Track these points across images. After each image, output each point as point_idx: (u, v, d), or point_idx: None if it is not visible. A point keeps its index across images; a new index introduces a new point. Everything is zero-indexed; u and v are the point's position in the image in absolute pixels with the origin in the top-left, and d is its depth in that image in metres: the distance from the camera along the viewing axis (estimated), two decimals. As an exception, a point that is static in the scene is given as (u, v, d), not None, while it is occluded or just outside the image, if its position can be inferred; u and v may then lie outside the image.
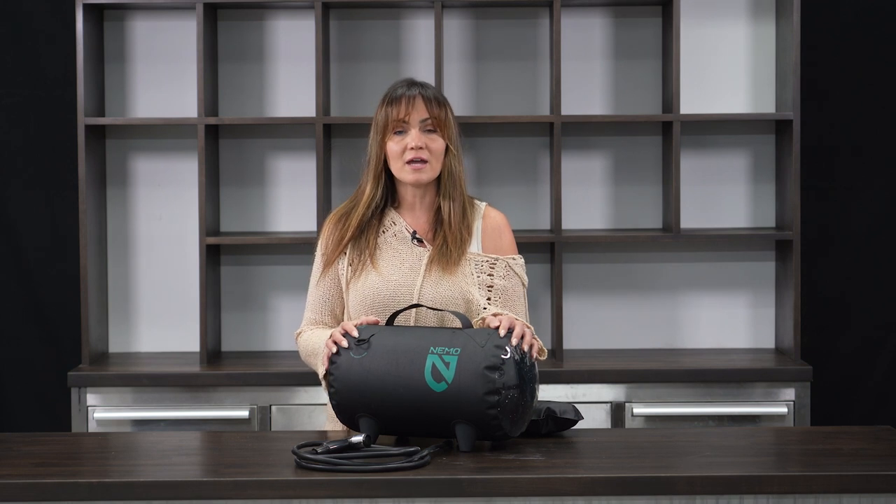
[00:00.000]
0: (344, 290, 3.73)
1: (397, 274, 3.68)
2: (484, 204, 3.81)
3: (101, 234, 5.18)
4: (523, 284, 3.75)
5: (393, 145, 3.69)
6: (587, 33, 5.25)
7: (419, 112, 3.68)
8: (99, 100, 5.15)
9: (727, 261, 5.28)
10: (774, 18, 5.23)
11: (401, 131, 3.69)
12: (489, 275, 3.71)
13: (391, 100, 3.71)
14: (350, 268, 3.72)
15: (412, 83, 3.74)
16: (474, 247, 3.74)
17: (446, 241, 3.69)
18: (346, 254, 3.73)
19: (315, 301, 3.76)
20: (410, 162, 3.67)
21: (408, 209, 3.76)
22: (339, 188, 5.22)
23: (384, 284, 3.67)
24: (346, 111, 5.24)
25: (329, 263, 3.74)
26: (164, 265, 5.27)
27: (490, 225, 3.78)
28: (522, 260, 3.77)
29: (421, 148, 3.67)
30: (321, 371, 3.54)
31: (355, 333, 3.43)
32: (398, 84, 3.76)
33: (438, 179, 3.73)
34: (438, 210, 3.74)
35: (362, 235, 3.73)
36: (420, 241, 3.73)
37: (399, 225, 3.74)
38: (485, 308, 3.67)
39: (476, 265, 3.71)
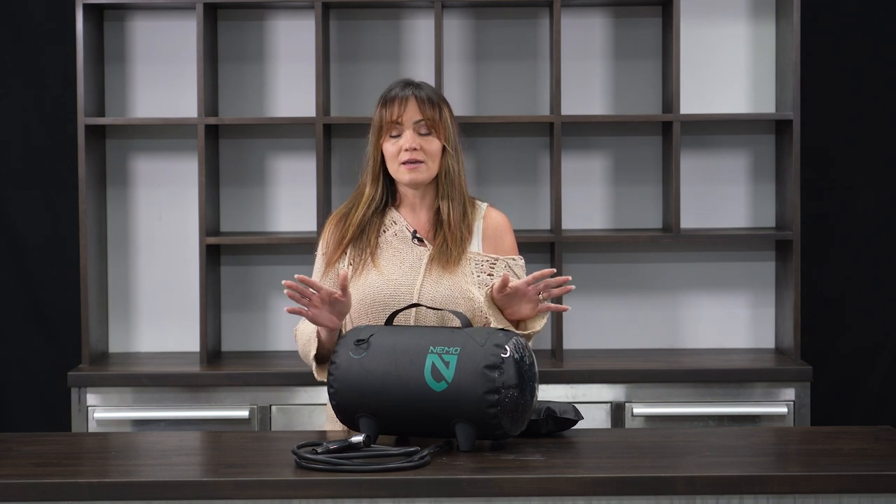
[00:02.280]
0: (344, 289, 3.74)
1: (397, 273, 3.68)
2: (485, 204, 3.81)
3: (101, 234, 5.18)
4: None
5: (389, 146, 3.70)
6: (587, 33, 5.25)
7: (412, 113, 3.68)
8: (99, 100, 5.15)
9: (727, 261, 5.28)
10: (774, 18, 5.23)
11: (396, 134, 3.69)
12: (489, 274, 3.72)
13: (385, 101, 3.72)
14: (350, 266, 3.72)
15: (407, 84, 3.74)
16: (475, 246, 3.74)
17: (446, 240, 3.70)
18: (346, 254, 3.73)
19: None
20: (406, 162, 3.67)
21: (409, 208, 3.77)
22: (339, 188, 5.22)
23: (384, 283, 3.67)
24: (346, 111, 5.24)
25: (330, 264, 3.75)
26: (164, 265, 5.27)
27: (491, 225, 3.78)
28: (523, 261, 3.78)
29: (415, 149, 3.67)
30: (313, 350, 3.56)
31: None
32: (394, 85, 3.76)
33: (437, 180, 3.74)
34: (438, 210, 3.74)
35: (363, 235, 3.73)
36: (420, 240, 3.73)
37: (400, 224, 3.74)
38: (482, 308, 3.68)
39: (476, 265, 3.71)
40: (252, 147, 5.27)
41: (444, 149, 3.71)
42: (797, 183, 5.00)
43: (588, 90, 5.26)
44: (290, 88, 5.24)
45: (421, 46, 5.23)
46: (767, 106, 5.24)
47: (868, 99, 5.32)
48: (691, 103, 5.20)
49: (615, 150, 5.28)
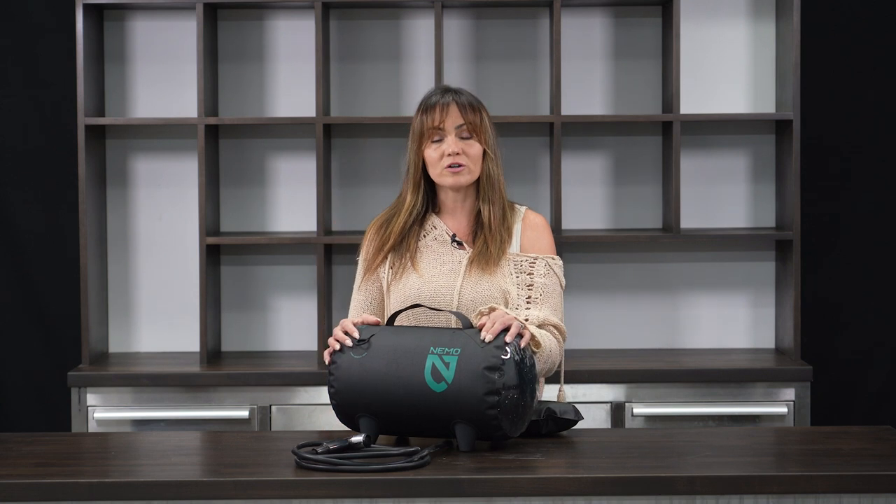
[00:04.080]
0: (385, 293, 3.75)
1: (437, 275, 3.71)
2: (524, 207, 3.83)
3: (101, 234, 5.18)
4: (561, 285, 3.76)
5: (431, 152, 3.72)
6: (587, 33, 5.25)
7: (454, 119, 3.72)
8: (99, 100, 5.15)
9: (727, 261, 5.28)
10: (774, 18, 5.23)
11: (438, 139, 3.71)
12: (529, 274, 3.73)
13: (426, 108, 3.75)
14: (391, 270, 3.74)
15: (446, 90, 3.78)
16: (514, 248, 3.76)
17: (486, 243, 3.72)
18: (387, 259, 3.75)
19: (357, 306, 3.79)
20: (449, 166, 3.70)
21: (448, 214, 3.79)
22: (339, 188, 5.22)
23: (425, 285, 3.69)
24: (346, 111, 5.24)
25: (370, 269, 3.77)
26: (164, 265, 5.27)
27: (529, 226, 3.80)
28: (561, 262, 3.79)
29: (458, 153, 3.69)
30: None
31: (356, 334, 3.43)
32: (433, 91, 3.80)
33: (478, 183, 3.76)
34: (478, 214, 3.77)
35: (403, 241, 3.76)
36: (460, 243, 3.75)
37: (439, 229, 3.77)
38: (518, 307, 3.67)
39: (515, 265, 3.73)
40: (252, 147, 5.27)
41: (484, 153, 3.74)
42: (797, 183, 5.00)
43: (588, 90, 5.26)
44: (290, 88, 5.24)
45: (421, 46, 5.23)
46: (767, 106, 5.24)
47: (868, 99, 5.31)
48: (691, 103, 5.20)
49: (615, 150, 5.28)
